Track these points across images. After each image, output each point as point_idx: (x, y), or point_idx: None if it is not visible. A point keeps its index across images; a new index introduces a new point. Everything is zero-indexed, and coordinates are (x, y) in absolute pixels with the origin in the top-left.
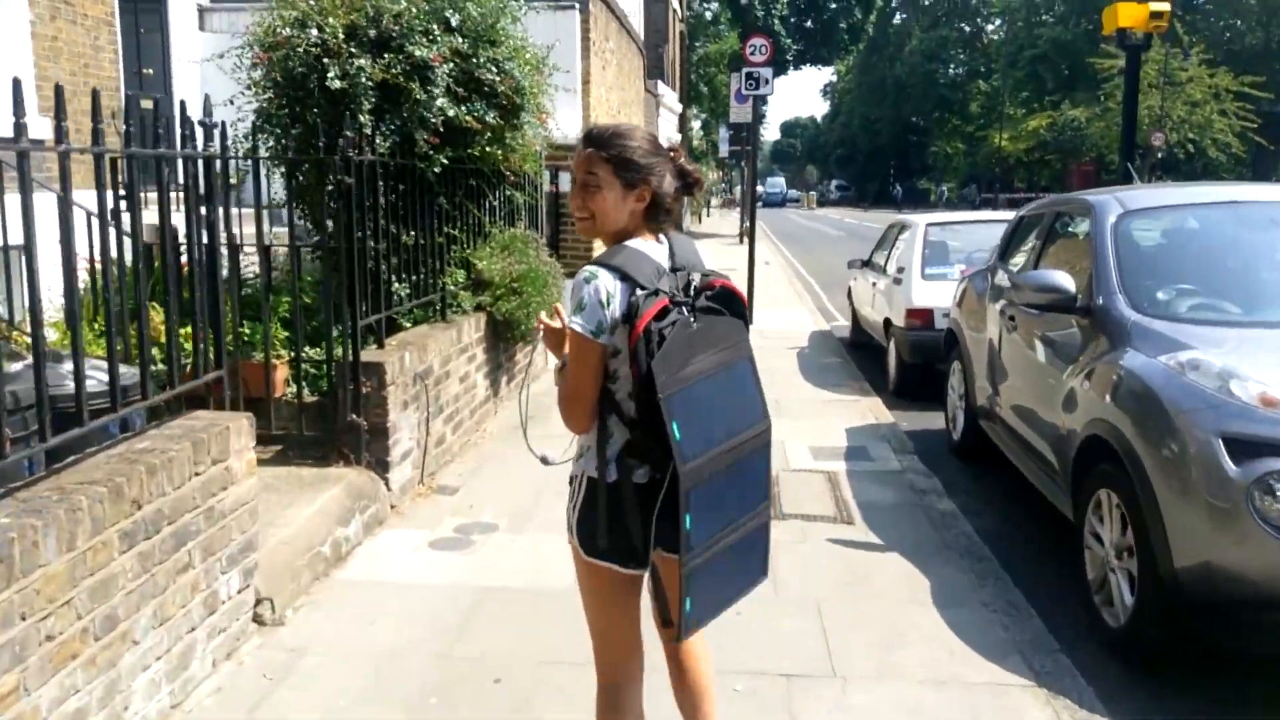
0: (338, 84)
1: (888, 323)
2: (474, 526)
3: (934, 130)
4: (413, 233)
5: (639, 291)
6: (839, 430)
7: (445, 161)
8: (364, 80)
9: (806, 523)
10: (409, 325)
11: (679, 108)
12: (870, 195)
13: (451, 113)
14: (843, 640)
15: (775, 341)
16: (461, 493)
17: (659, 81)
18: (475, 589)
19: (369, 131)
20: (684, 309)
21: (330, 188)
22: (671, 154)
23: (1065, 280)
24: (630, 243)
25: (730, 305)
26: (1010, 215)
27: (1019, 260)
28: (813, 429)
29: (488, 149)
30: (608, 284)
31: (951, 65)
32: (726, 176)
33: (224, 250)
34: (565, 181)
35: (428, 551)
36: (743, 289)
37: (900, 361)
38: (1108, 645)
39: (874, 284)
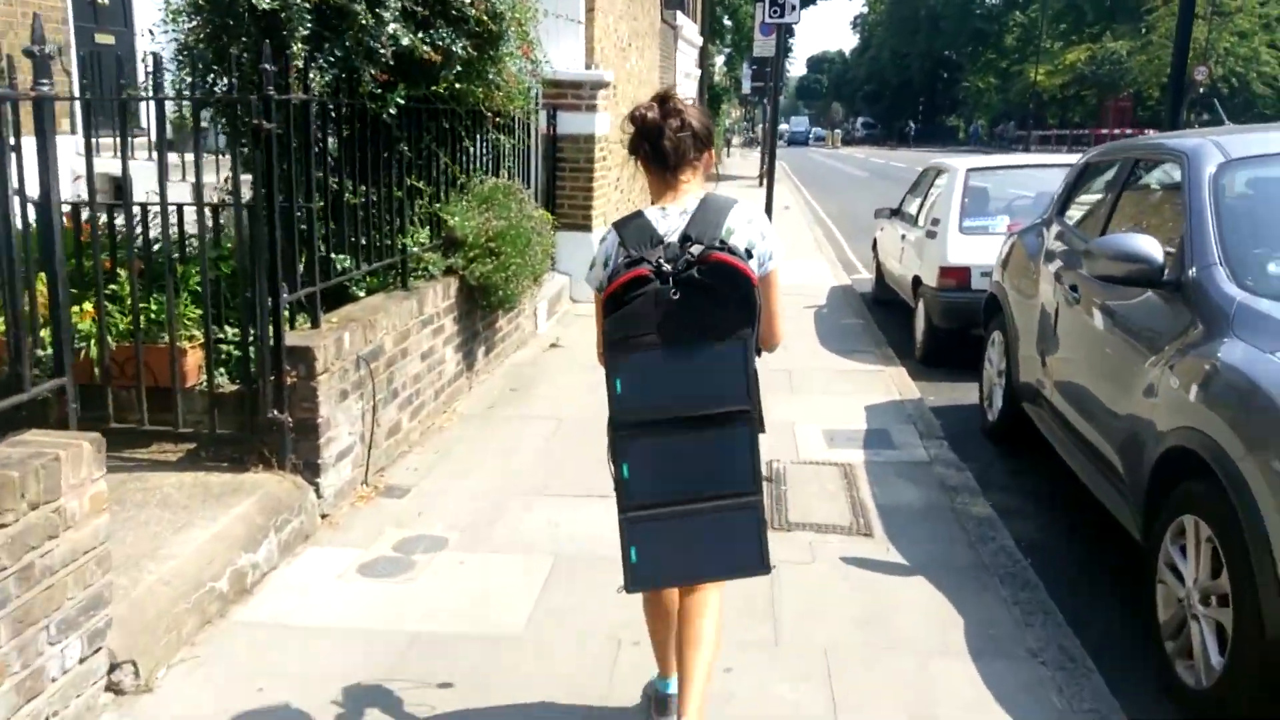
0: (265, 3)
1: (917, 281)
2: (418, 542)
3: (966, 65)
4: (363, 187)
5: (622, 256)
6: (858, 408)
7: (401, 101)
8: (298, 1)
9: (816, 535)
10: (363, 294)
11: (699, 41)
12: (897, 133)
13: (406, 41)
14: (856, 715)
15: (792, 298)
16: (412, 494)
17: (678, 12)
18: (402, 636)
19: (301, 65)
20: (666, 279)
21: (247, 135)
22: (635, 114)
23: (1151, 247)
24: (647, 209)
25: (724, 279)
26: (1062, 159)
27: (1079, 216)
28: (828, 407)
29: (459, 85)
30: (610, 245)
31: None
32: (749, 114)
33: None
34: (565, 123)
35: (355, 579)
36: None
37: (930, 326)
38: (1183, 707)
39: (903, 236)
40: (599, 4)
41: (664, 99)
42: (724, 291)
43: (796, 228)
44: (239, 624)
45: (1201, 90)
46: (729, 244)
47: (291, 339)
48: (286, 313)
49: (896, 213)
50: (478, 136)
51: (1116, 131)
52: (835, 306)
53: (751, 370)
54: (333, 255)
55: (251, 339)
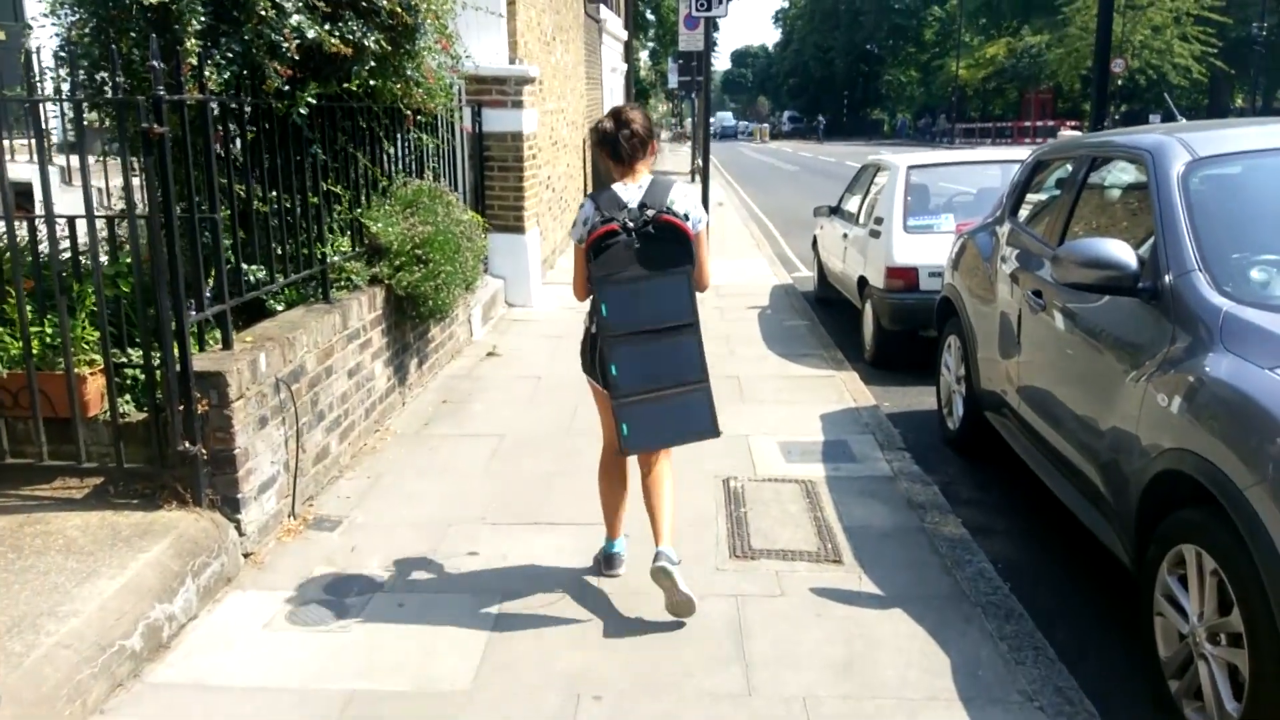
0: None
1: (863, 282)
2: (352, 582)
3: (888, 59)
4: (275, 193)
5: (599, 216)
6: (812, 418)
7: (312, 100)
8: None
9: (783, 564)
10: (282, 309)
11: (624, 35)
12: (823, 127)
13: (312, 34)
14: None
15: (733, 300)
16: (344, 526)
17: (601, 5)
18: (337, 695)
19: (195, 62)
20: (631, 236)
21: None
22: (597, 128)
23: (1123, 253)
24: (614, 184)
25: (669, 233)
26: (1001, 154)
27: (1035, 217)
28: (781, 417)
29: (374, 82)
30: (588, 210)
31: None
32: (677, 109)
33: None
34: (492, 120)
35: (283, 628)
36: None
37: (879, 328)
38: None
39: (845, 234)
40: None
41: (617, 114)
42: (670, 241)
43: (732, 225)
44: (154, 686)
45: (1120, 82)
46: (673, 209)
47: (200, 363)
48: (194, 333)
49: (836, 210)
50: (398, 137)
51: (1040, 124)
52: (779, 307)
53: (692, 295)
54: (246, 268)
55: (157, 363)
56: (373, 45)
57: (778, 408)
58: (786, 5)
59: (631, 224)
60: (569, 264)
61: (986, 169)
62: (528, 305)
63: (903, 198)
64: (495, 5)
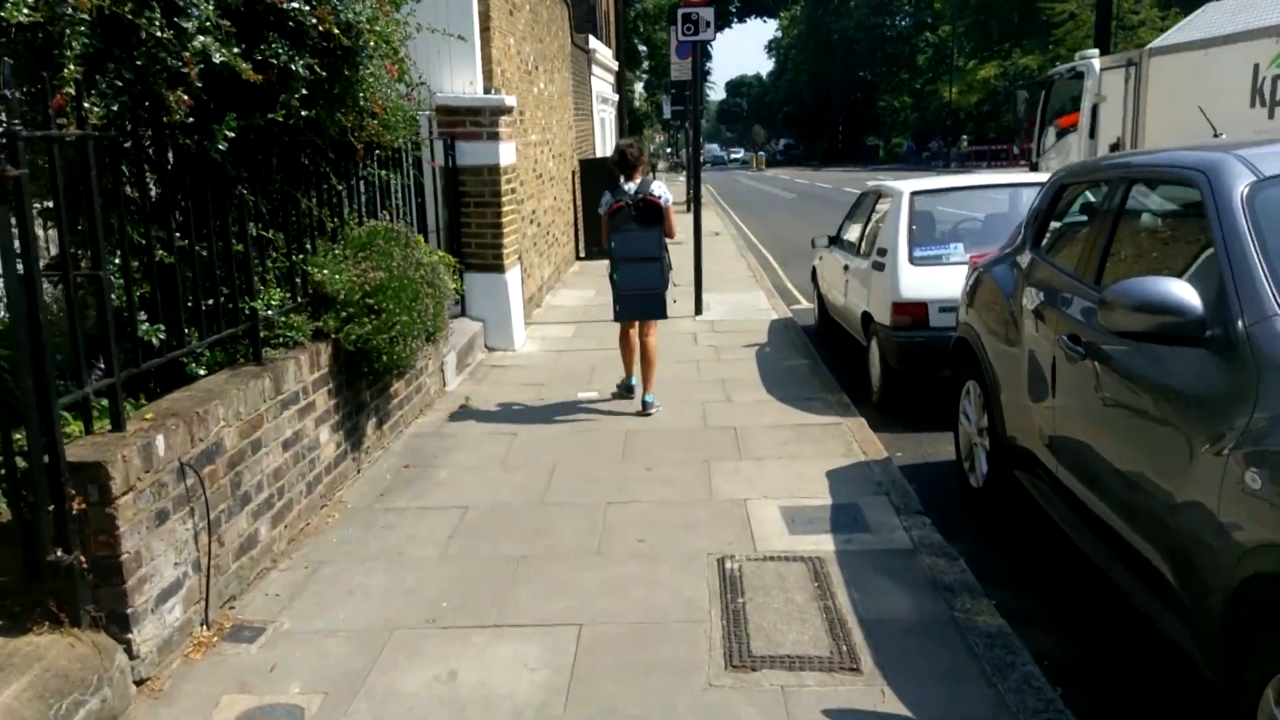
0: (24, 13)
1: (867, 318)
2: (268, 715)
3: (882, 85)
4: (185, 241)
5: (613, 198)
6: (818, 474)
7: (231, 133)
8: (68, 10)
9: (789, 676)
10: (205, 373)
11: (615, 65)
12: (819, 153)
13: (220, 58)
14: None
15: (730, 338)
16: (268, 636)
17: (590, 35)
18: None
19: (73, 91)
20: (631, 208)
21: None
22: (611, 158)
23: (1185, 294)
24: (622, 183)
25: (651, 207)
26: (1007, 178)
27: (1058, 245)
28: (784, 475)
29: (307, 113)
30: (608, 196)
31: (898, 17)
32: (672, 139)
33: None
34: (466, 153)
35: None
36: (688, 272)
37: (886, 368)
38: None
39: (846, 266)
40: (496, 23)
41: (625, 147)
42: (651, 211)
43: (729, 256)
44: None
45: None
46: (653, 193)
47: (76, 451)
48: (75, 415)
49: (836, 240)
50: (352, 173)
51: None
52: (778, 344)
53: (661, 240)
54: (146, 329)
55: (21, 452)
56: (302, 71)
57: (779, 464)
58: (779, 35)
59: (630, 202)
60: (559, 301)
61: (992, 193)
62: (509, 349)
63: (907, 226)
64: (466, 31)
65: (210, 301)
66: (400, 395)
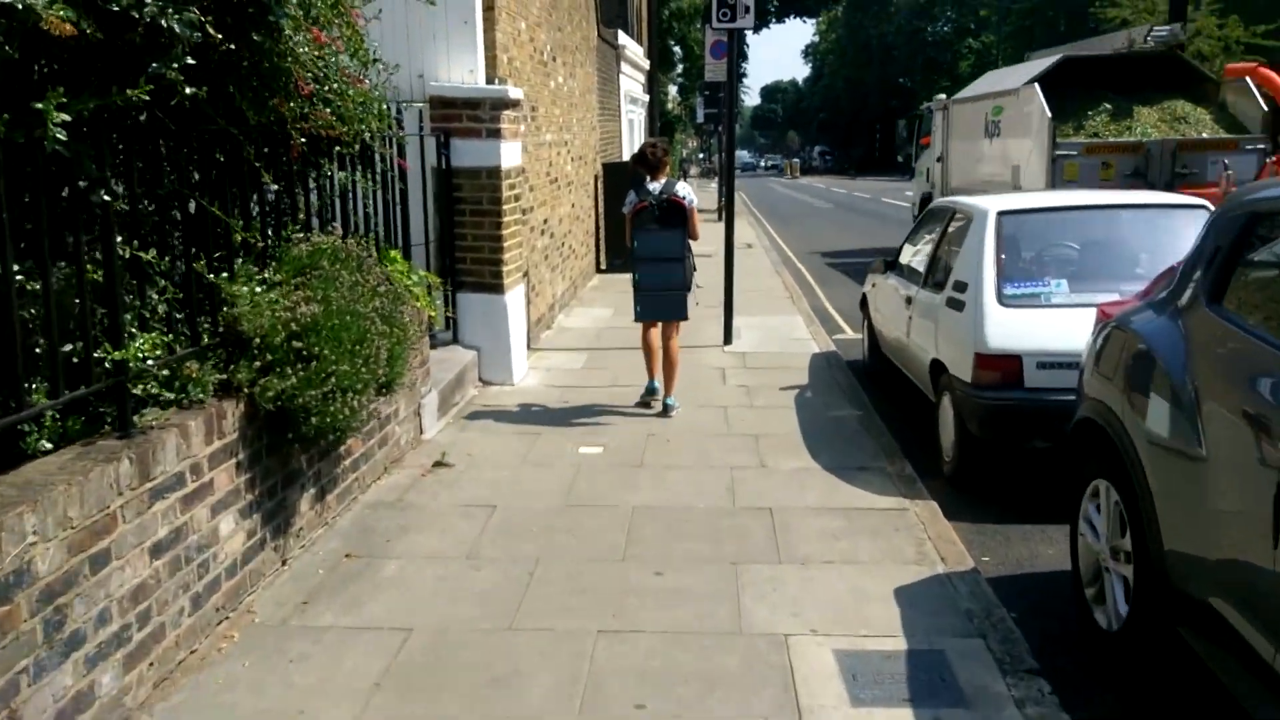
0: None
1: (939, 367)
2: None
3: (921, 93)
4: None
5: (636, 197)
6: (883, 594)
7: (68, 117)
8: None
9: None
10: (50, 447)
11: (646, 64)
12: (855, 161)
13: (21, 4)
14: None
15: (764, 375)
16: None
17: (619, 31)
18: None
19: None
20: (654, 208)
21: None
22: (636, 155)
23: None
24: (647, 182)
25: (674, 208)
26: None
27: (1257, 305)
28: (837, 594)
29: (195, 90)
30: (632, 195)
31: (940, 23)
32: (705, 144)
33: None
34: (461, 153)
35: None
36: (718, 280)
37: (964, 435)
38: None
39: (909, 299)
40: (503, 2)
41: (651, 145)
42: (675, 212)
43: (762, 272)
44: None
45: None
46: (678, 194)
47: None
48: None
49: (893, 265)
50: (296, 176)
51: None
52: (821, 388)
53: (684, 241)
54: None
55: None
56: (180, 29)
57: (830, 572)
58: (817, 40)
59: (654, 202)
60: (571, 322)
61: (1092, 214)
62: (507, 383)
63: (994, 255)
64: (467, 10)
65: (69, 347)
66: (355, 454)
